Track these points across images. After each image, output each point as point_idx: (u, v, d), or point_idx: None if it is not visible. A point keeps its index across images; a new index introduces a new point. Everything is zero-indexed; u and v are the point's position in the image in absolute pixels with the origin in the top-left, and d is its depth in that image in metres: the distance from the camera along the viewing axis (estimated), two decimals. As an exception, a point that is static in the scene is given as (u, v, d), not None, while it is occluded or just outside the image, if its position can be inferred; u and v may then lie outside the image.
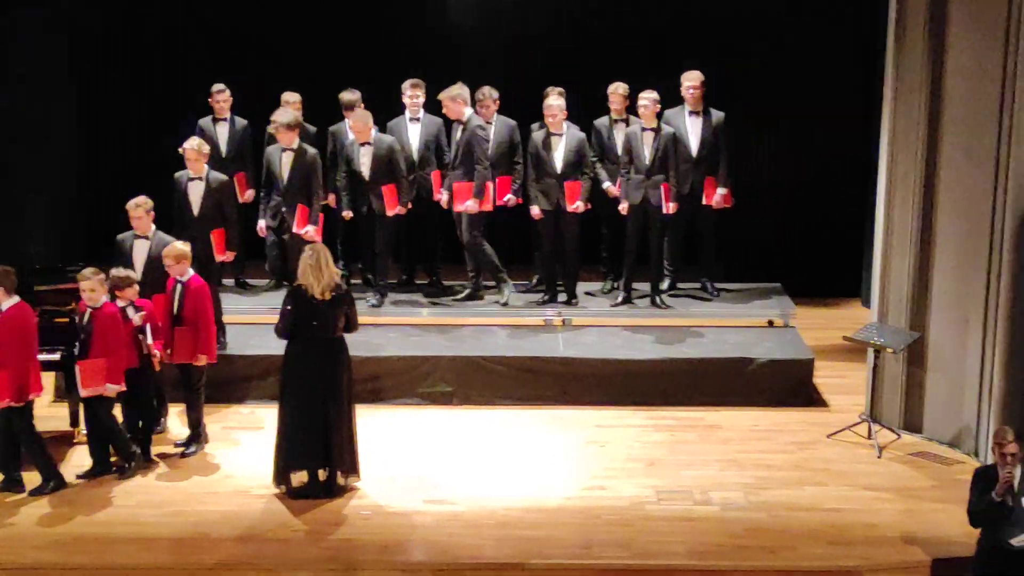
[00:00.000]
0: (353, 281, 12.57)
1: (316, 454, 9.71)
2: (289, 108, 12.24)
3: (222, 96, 12.77)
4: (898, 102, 10.66)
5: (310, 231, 11.72)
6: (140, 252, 10.71)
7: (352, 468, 9.85)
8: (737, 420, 11.23)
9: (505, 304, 12.41)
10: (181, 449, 10.51)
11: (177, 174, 11.40)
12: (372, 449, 10.21)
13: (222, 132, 12.78)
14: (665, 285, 12.86)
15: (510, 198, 12.50)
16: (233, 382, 11.45)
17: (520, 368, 11.54)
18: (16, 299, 9.63)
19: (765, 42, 13.87)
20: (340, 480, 9.81)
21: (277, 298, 12.10)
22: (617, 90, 12.55)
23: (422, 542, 9.22)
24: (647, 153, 12.14)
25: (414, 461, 10.41)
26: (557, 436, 10.91)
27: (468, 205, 12.15)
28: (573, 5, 14.44)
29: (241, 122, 12.91)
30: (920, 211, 10.62)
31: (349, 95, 12.61)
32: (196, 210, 11.31)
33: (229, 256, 11.49)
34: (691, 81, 12.40)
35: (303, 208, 11.77)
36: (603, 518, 9.52)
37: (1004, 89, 9.92)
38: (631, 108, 12.52)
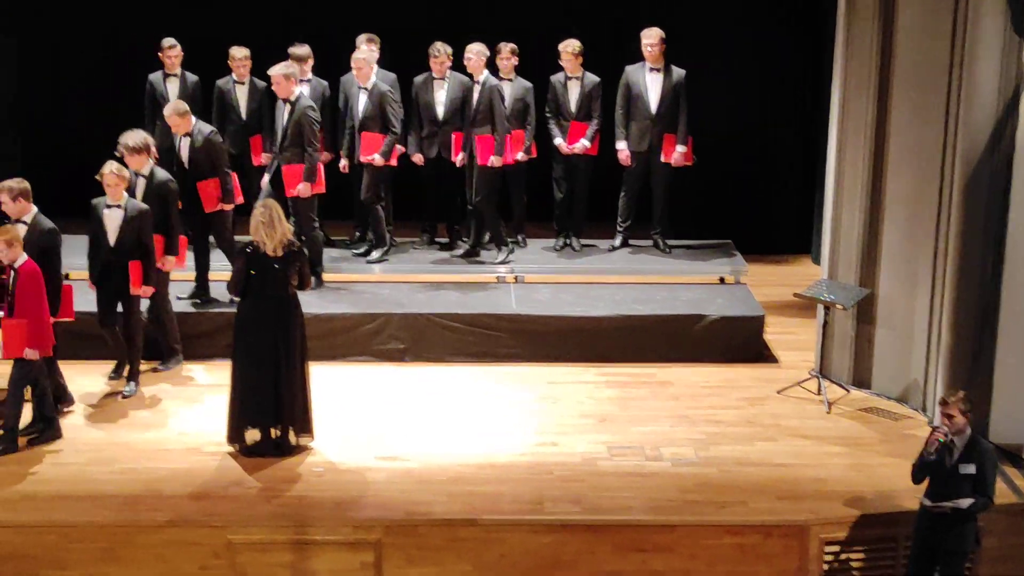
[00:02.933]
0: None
1: (269, 412, 9.70)
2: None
3: (173, 52, 12.64)
4: (849, 59, 10.68)
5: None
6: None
7: (305, 427, 9.84)
8: (688, 376, 11.28)
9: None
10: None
11: (94, 201, 10.50)
12: (325, 406, 10.20)
13: (172, 88, 12.66)
14: (617, 242, 12.91)
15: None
16: (188, 339, 11.39)
17: (472, 325, 11.54)
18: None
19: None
20: (292, 439, 9.80)
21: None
22: (568, 48, 12.53)
23: (374, 498, 9.23)
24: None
25: (367, 418, 10.41)
26: (509, 393, 10.93)
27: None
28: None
29: (192, 78, 12.78)
30: (870, 169, 10.67)
31: (298, 49, 12.49)
32: (112, 239, 10.44)
33: (146, 291, 10.56)
34: (650, 39, 12.40)
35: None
36: (555, 474, 9.56)
37: (953, 47, 9.95)
38: (585, 64, 12.56)
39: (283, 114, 11.72)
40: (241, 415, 9.74)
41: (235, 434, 9.77)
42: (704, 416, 10.53)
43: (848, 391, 10.93)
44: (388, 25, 13.15)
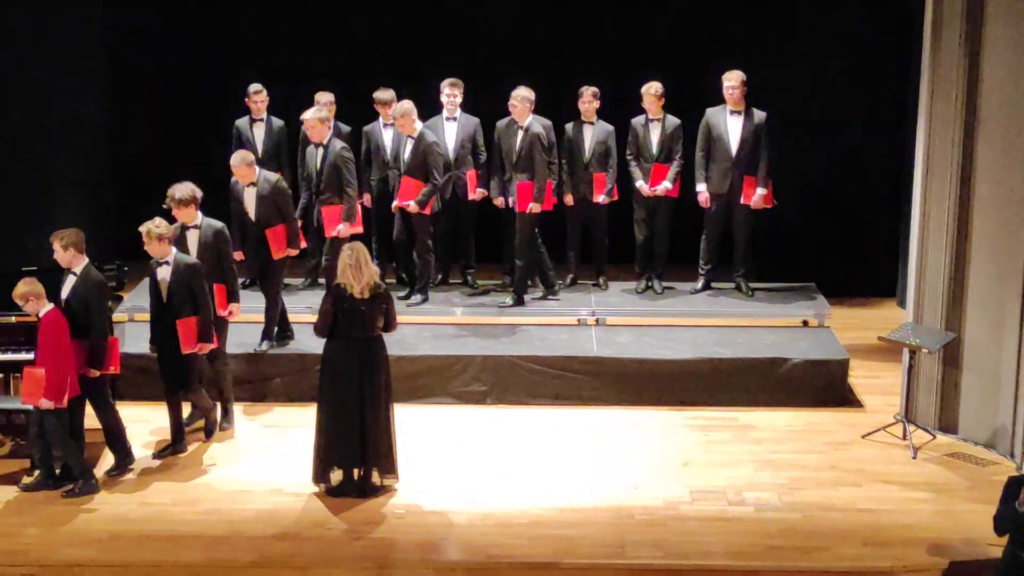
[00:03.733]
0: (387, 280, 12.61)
1: (353, 453, 9.74)
2: (323, 108, 12.26)
3: (259, 97, 12.81)
4: (934, 100, 10.60)
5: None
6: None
7: (389, 468, 9.88)
8: (771, 420, 11.21)
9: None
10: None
11: (151, 261, 10.34)
12: (407, 448, 10.22)
13: (259, 133, 12.83)
14: (699, 285, 12.88)
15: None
16: (267, 381, 11.50)
17: (554, 367, 11.54)
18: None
19: (798, 39, 13.81)
20: (376, 480, 9.83)
21: (312, 297, 12.25)
22: (650, 90, 12.57)
23: (456, 541, 9.24)
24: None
25: (449, 461, 10.43)
26: (590, 436, 10.91)
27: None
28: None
29: (277, 122, 12.96)
30: (956, 211, 10.57)
31: (383, 94, 12.66)
32: (164, 295, 10.27)
33: (203, 348, 10.36)
34: (731, 81, 12.39)
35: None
36: (637, 518, 9.52)
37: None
38: (667, 107, 12.59)
39: (316, 158, 11.87)
40: (326, 456, 9.79)
41: (320, 474, 9.83)
42: (788, 460, 10.45)
43: (934, 436, 10.79)
44: (470, 68, 13.28)
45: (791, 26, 13.81)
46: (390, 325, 9.84)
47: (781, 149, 12.79)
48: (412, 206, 12.05)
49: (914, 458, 10.50)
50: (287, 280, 13.05)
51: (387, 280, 12.55)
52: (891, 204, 13.95)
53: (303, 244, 11.69)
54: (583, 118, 12.68)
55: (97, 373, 9.85)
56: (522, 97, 12.20)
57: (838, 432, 11.00)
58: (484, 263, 13.23)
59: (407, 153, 12.12)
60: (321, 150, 11.88)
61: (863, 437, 10.87)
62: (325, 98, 12.65)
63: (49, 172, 13.74)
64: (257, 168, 11.42)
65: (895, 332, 10.86)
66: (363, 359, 9.66)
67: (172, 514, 9.55)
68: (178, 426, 10.53)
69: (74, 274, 9.85)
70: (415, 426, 10.87)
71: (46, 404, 9.55)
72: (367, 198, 12.76)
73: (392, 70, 13.58)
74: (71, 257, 9.81)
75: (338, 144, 11.91)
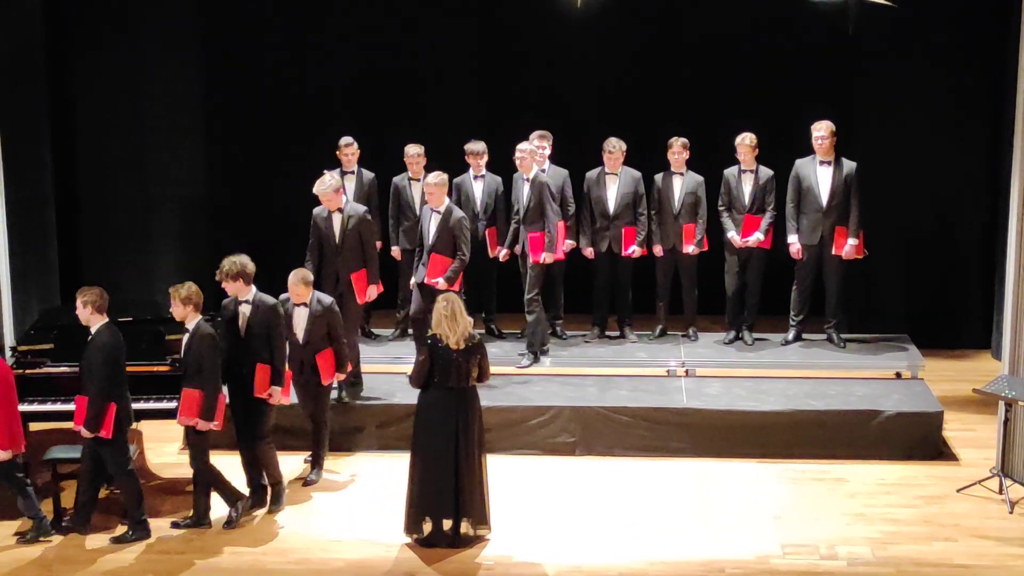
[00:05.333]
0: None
1: (445, 504, 9.76)
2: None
3: (349, 150, 12.92)
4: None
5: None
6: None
7: (482, 518, 9.88)
8: (864, 473, 11.08)
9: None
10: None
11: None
12: (496, 499, 10.22)
13: (349, 185, 12.93)
14: (791, 336, 12.80)
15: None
16: (358, 431, 11.57)
17: (643, 419, 11.50)
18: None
19: (890, 88, 13.71)
20: (468, 530, 9.84)
21: (401, 348, 12.32)
22: (744, 140, 12.55)
23: (545, 593, 9.24)
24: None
25: (538, 512, 10.42)
26: (680, 488, 10.85)
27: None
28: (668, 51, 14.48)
29: (368, 175, 13.07)
30: (1052, 262, 10.45)
31: (475, 145, 12.75)
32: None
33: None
34: (820, 131, 12.35)
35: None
36: (727, 572, 9.43)
37: None
38: (759, 157, 12.58)
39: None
40: (418, 506, 9.82)
41: (412, 525, 9.85)
42: (881, 514, 10.31)
43: (1031, 491, 10.63)
44: (560, 120, 13.36)
45: (881, 75, 13.71)
46: (484, 375, 9.87)
47: (872, 199, 12.70)
48: (440, 283, 11.69)
49: (1011, 512, 10.32)
50: (376, 330, 13.18)
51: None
52: (985, 254, 13.79)
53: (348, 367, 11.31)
54: (673, 169, 12.69)
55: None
56: (528, 151, 12.30)
57: (932, 486, 10.85)
58: (573, 313, 13.22)
59: (432, 227, 11.80)
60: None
61: (958, 491, 10.71)
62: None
63: (151, 229, 14.24)
64: (313, 289, 10.91)
65: (990, 384, 10.70)
66: (458, 409, 9.70)
67: (263, 563, 9.61)
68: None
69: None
70: (504, 476, 10.86)
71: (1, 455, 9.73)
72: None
73: (481, 122, 13.73)
74: (90, 316, 9.79)
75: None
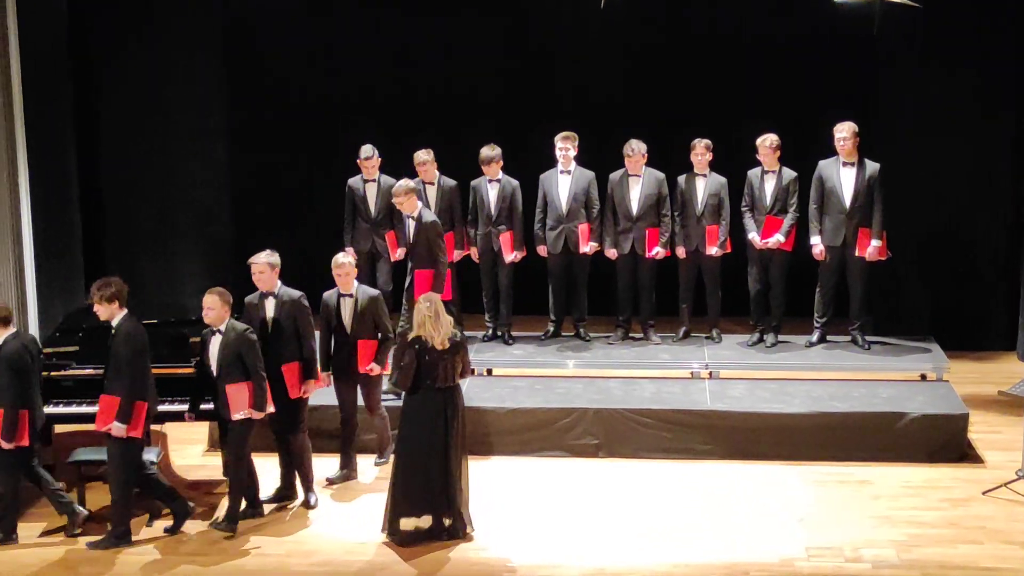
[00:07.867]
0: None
1: (437, 501, 9.82)
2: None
3: (370, 162, 12.84)
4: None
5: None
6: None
7: (467, 515, 9.95)
8: (888, 476, 11.04)
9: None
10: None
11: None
12: (520, 501, 10.26)
13: (371, 192, 12.92)
14: (815, 338, 12.77)
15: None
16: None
17: (667, 421, 11.49)
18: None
19: (913, 89, 13.67)
20: (458, 526, 9.90)
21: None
22: (765, 142, 12.53)
23: (568, 596, 9.22)
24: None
25: (560, 514, 10.40)
26: (704, 490, 10.82)
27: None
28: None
29: (389, 181, 13.06)
30: (1078, 263, 10.41)
31: (490, 151, 12.74)
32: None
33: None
34: (843, 132, 12.31)
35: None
36: (751, 575, 9.41)
37: None
38: (783, 159, 12.56)
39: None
40: (401, 505, 9.86)
41: (390, 524, 9.90)
42: (906, 517, 10.28)
43: (1057, 493, 10.59)
44: (584, 121, 13.37)
45: (904, 75, 13.67)
46: (467, 371, 10.02)
47: (896, 200, 12.66)
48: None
49: (1037, 516, 10.30)
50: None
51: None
52: (1010, 255, 13.73)
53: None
54: (696, 170, 12.67)
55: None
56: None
57: (957, 488, 10.80)
58: (596, 315, 13.21)
59: (411, 234, 11.81)
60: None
61: (984, 494, 10.67)
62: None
63: (174, 232, 14.34)
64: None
65: (1016, 387, 10.67)
66: (446, 407, 9.79)
67: (288, 565, 9.62)
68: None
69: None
70: (527, 479, 10.87)
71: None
72: (474, 252, 12.89)
73: (503, 122, 13.73)
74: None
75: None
